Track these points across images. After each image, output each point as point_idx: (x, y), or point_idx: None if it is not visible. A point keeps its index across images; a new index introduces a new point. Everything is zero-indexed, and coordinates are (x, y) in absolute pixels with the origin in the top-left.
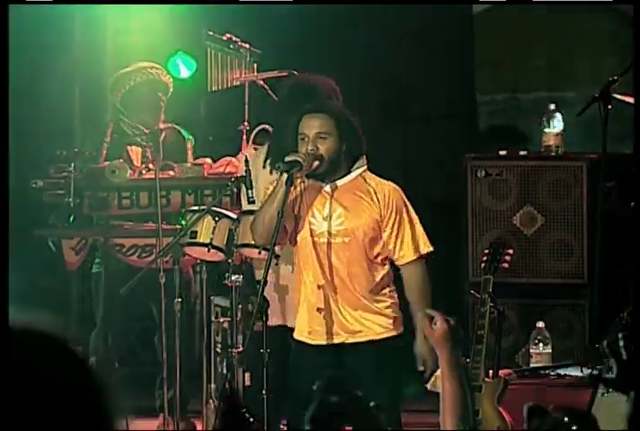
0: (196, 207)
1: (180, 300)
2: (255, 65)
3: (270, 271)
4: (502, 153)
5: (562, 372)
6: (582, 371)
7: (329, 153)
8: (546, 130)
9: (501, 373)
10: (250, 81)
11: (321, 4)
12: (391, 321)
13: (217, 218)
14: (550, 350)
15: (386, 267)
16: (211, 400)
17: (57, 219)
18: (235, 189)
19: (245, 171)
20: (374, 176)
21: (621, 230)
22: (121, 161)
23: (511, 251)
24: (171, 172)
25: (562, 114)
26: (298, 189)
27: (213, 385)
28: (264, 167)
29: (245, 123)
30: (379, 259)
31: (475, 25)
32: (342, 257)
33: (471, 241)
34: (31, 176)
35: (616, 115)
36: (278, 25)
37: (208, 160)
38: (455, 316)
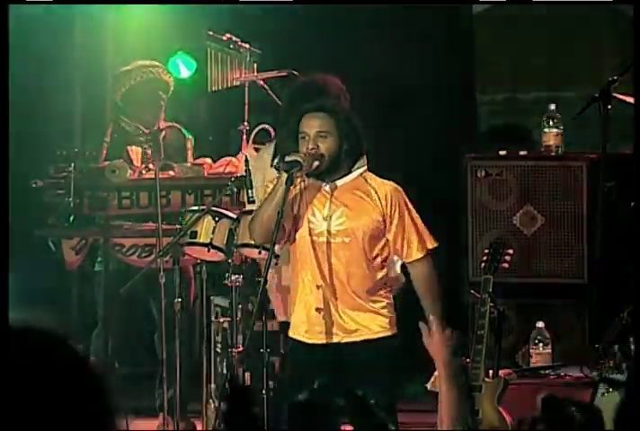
0: (196, 207)
1: (180, 300)
2: (255, 65)
3: (271, 271)
4: (502, 153)
5: (562, 372)
6: (582, 371)
7: (329, 153)
8: (546, 130)
9: (501, 373)
10: (250, 81)
11: (321, 4)
12: (387, 320)
13: (217, 218)
14: (550, 350)
15: (385, 267)
16: (211, 400)
17: (57, 219)
18: (235, 189)
19: (245, 171)
20: (374, 176)
21: (621, 230)
22: (121, 161)
23: (511, 251)
24: (171, 172)
25: (561, 114)
26: (298, 188)
27: (213, 385)
28: (272, 165)
29: (245, 123)
30: (379, 259)
31: (475, 25)
32: (342, 257)
33: (471, 241)
34: (31, 176)
35: (616, 115)
36: (278, 25)
37: (208, 160)
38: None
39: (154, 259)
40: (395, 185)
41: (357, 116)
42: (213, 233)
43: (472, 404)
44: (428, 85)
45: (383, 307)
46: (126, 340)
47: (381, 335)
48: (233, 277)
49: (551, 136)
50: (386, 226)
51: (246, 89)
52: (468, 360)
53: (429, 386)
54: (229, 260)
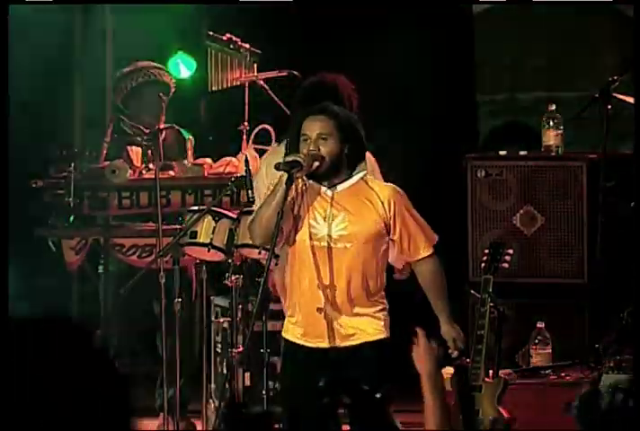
0: (196, 207)
1: (180, 300)
2: (255, 65)
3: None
4: (502, 153)
5: (562, 372)
6: (582, 371)
7: (330, 155)
8: (546, 130)
9: (501, 373)
10: (250, 81)
11: (321, 4)
12: (382, 323)
13: (217, 218)
14: (550, 350)
15: (384, 272)
16: (211, 400)
17: (57, 219)
18: (235, 189)
19: (245, 171)
20: (375, 179)
21: (621, 230)
22: (121, 161)
23: (511, 251)
24: (171, 172)
25: (561, 114)
26: (299, 189)
27: (213, 385)
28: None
29: (245, 123)
30: (379, 264)
31: (475, 25)
32: (343, 261)
33: (471, 241)
34: (31, 176)
35: (616, 115)
36: (278, 25)
37: (208, 160)
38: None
39: (154, 259)
40: (394, 186)
41: (359, 120)
42: (213, 233)
43: (472, 404)
44: (428, 85)
45: (379, 310)
46: (126, 340)
47: (377, 338)
48: (233, 277)
49: (551, 136)
50: (389, 229)
51: (246, 89)
52: (468, 360)
53: None
54: (229, 260)
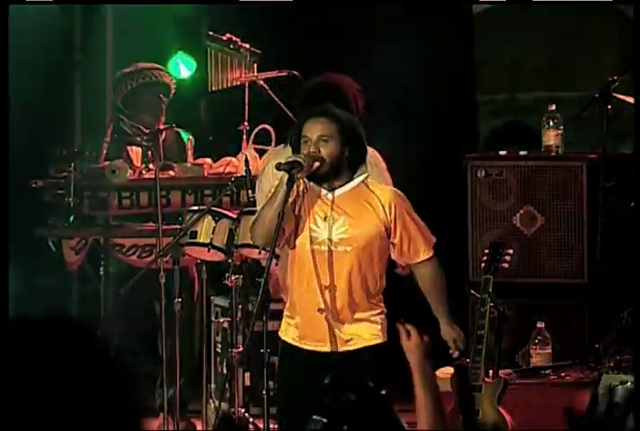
0: (196, 207)
1: (180, 300)
2: (255, 65)
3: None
4: (502, 153)
5: (562, 372)
6: (582, 371)
7: (331, 157)
8: (546, 130)
9: (501, 373)
10: (250, 81)
11: (321, 4)
12: (379, 327)
13: (217, 218)
14: (550, 350)
15: (384, 275)
16: (211, 400)
17: (57, 219)
18: (235, 189)
19: (245, 171)
20: (376, 182)
21: (621, 230)
22: (121, 161)
23: (511, 251)
24: (171, 172)
25: (561, 114)
26: (300, 191)
27: (213, 385)
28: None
29: (245, 123)
30: (379, 267)
31: (475, 25)
32: (343, 265)
33: (471, 241)
34: (31, 176)
35: (616, 115)
36: (278, 25)
37: (208, 160)
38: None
39: (154, 259)
40: (396, 190)
41: (360, 122)
42: (213, 233)
43: (472, 404)
44: (428, 85)
45: (376, 314)
46: (126, 341)
47: (374, 342)
48: (233, 277)
49: (551, 136)
50: (389, 233)
51: (246, 89)
52: (468, 360)
53: None
54: (229, 260)
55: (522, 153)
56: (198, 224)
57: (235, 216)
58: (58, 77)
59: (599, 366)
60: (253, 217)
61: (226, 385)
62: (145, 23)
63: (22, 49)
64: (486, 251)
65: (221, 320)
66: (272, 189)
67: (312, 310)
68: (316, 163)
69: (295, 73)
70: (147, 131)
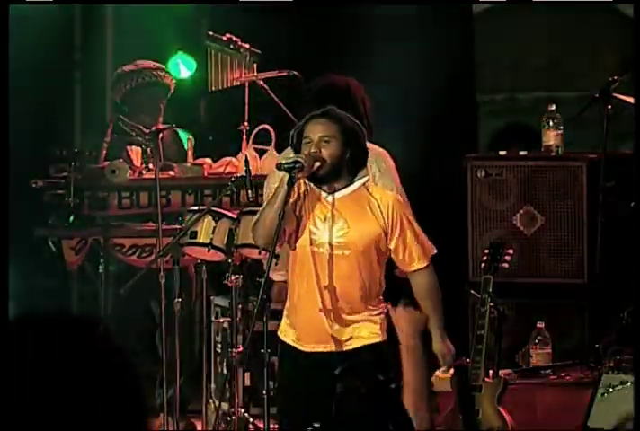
0: (196, 207)
1: (180, 300)
2: (255, 65)
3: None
4: (502, 153)
5: (562, 372)
6: (582, 371)
7: (332, 158)
8: (546, 130)
9: (501, 373)
10: (250, 81)
11: (321, 4)
12: (378, 327)
13: (217, 218)
14: (550, 350)
15: (383, 278)
16: (211, 400)
17: (57, 219)
18: (235, 189)
19: (245, 171)
20: (376, 186)
21: (621, 230)
22: (121, 161)
23: (511, 251)
24: (171, 172)
25: (561, 114)
26: (301, 193)
27: (213, 385)
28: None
29: (245, 123)
30: (378, 271)
31: (475, 25)
32: (342, 268)
33: (471, 241)
34: (30, 176)
35: (616, 115)
36: (278, 25)
37: (208, 160)
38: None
39: (154, 259)
40: (397, 195)
41: (363, 125)
42: (213, 233)
43: (472, 404)
44: (428, 85)
45: (376, 314)
46: (126, 341)
47: (372, 341)
48: (233, 277)
49: (551, 136)
50: (387, 237)
51: (246, 89)
52: (468, 360)
53: None
54: (229, 260)
55: (522, 153)
56: (198, 224)
57: (235, 216)
58: (58, 77)
59: (599, 366)
60: (255, 218)
61: (226, 385)
62: (145, 23)
63: (22, 49)
64: (486, 251)
65: (221, 320)
66: (273, 190)
67: (311, 310)
68: (317, 164)
69: (295, 73)
70: (147, 131)
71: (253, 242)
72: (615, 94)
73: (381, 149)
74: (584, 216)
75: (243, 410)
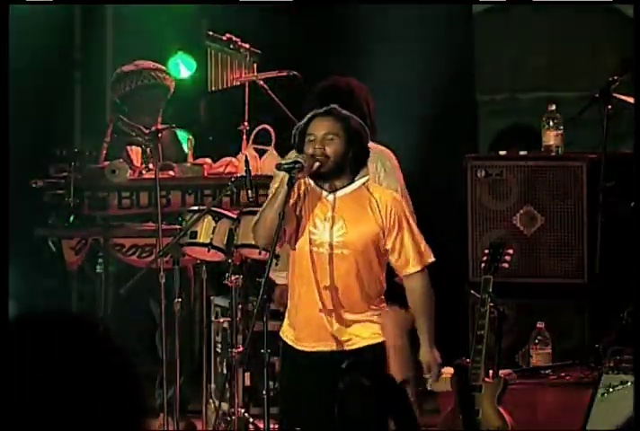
0: (196, 207)
1: (180, 300)
2: (255, 65)
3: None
4: (502, 153)
5: (562, 372)
6: (582, 371)
7: (335, 155)
8: (546, 130)
9: (501, 373)
10: (250, 81)
11: (321, 4)
12: (378, 327)
13: (217, 218)
14: (550, 350)
15: (383, 278)
16: (211, 400)
17: (57, 219)
18: (235, 189)
19: (245, 171)
20: (376, 185)
21: (621, 230)
22: (121, 161)
23: (511, 251)
24: (171, 172)
25: (561, 114)
26: (301, 192)
27: (213, 385)
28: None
29: (245, 123)
30: (377, 271)
31: (475, 25)
32: (341, 268)
33: (471, 241)
34: (31, 176)
35: (616, 115)
36: (278, 25)
37: (208, 160)
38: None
39: (154, 259)
40: (397, 195)
41: (364, 125)
42: (213, 233)
43: (472, 404)
44: (428, 85)
45: (377, 315)
46: (126, 341)
47: (372, 342)
48: (233, 277)
49: (551, 136)
50: (385, 237)
51: (246, 89)
52: (468, 360)
53: (429, 386)
54: (229, 260)
55: (522, 153)
56: (198, 225)
57: (235, 216)
58: (58, 77)
59: (599, 366)
60: (255, 218)
61: (226, 385)
62: (145, 23)
63: (22, 49)
64: (486, 251)
65: (221, 320)
66: (273, 190)
67: (312, 310)
68: (317, 164)
69: (295, 73)
70: (147, 131)
71: (253, 243)
72: (615, 94)
73: (386, 149)
74: (584, 216)
75: (243, 410)
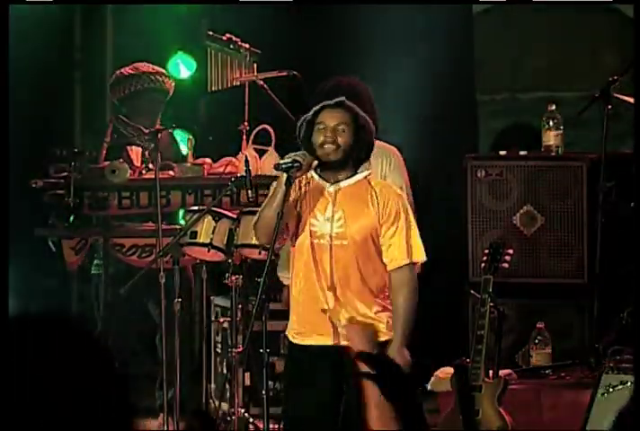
0: (196, 207)
1: (180, 300)
2: (255, 65)
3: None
4: (502, 153)
5: (562, 372)
6: (581, 371)
7: (345, 146)
8: (546, 130)
9: (501, 373)
10: (250, 81)
11: (321, 4)
12: (384, 325)
13: (217, 218)
14: (550, 350)
15: (385, 273)
16: (211, 400)
17: (57, 219)
18: (235, 189)
19: (245, 171)
20: (379, 180)
21: (621, 230)
22: (121, 161)
23: (511, 251)
24: (171, 172)
25: (561, 114)
26: (302, 187)
27: (213, 385)
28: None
29: (245, 123)
30: (379, 264)
31: (475, 25)
32: (341, 260)
33: (471, 241)
34: (31, 176)
35: (616, 115)
36: (278, 25)
37: (208, 160)
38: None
39: (154, 259)
40: (397, 190)
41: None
42: (213, 233)
43: (472, 404)
44: (428, 85)
45: (380, 311)
46: (126, 341)
47: (379, 340)
48: (233, 277)
49: (551, 136)
50: (380, 229)
51: (246, 89)
52: (468, 360)
53: (429, 386)
54: (229, 260)
55: (522, 153)
56: (198, 224)
57: (235, 216)
58: (58, 77)
59: (599, 366)
60: (255, 218)
61: (226, 385)
62: (145, 23)
63: (22, 49)
64: (486, 251)
65: (221, 320)
66: (272, 189)
67: (311, 305)
68: (315, 162)
69: (295, 73)
70: (147, 131)
71: (253, 242)
72: (615, 94)
73: (392, 147)
74: (584, 216)
75: (243, 410)
